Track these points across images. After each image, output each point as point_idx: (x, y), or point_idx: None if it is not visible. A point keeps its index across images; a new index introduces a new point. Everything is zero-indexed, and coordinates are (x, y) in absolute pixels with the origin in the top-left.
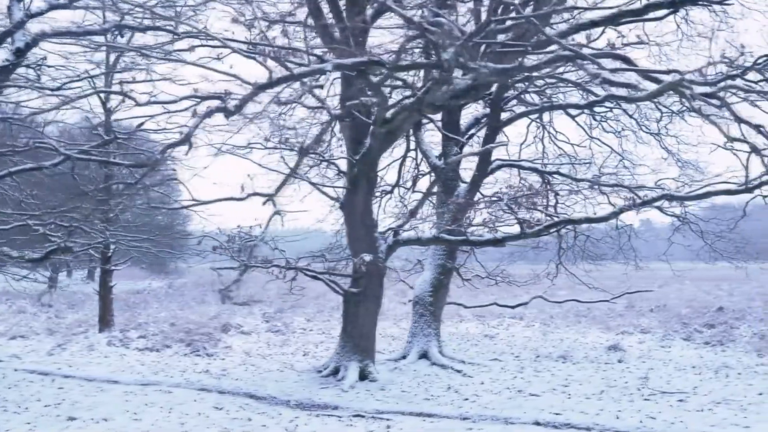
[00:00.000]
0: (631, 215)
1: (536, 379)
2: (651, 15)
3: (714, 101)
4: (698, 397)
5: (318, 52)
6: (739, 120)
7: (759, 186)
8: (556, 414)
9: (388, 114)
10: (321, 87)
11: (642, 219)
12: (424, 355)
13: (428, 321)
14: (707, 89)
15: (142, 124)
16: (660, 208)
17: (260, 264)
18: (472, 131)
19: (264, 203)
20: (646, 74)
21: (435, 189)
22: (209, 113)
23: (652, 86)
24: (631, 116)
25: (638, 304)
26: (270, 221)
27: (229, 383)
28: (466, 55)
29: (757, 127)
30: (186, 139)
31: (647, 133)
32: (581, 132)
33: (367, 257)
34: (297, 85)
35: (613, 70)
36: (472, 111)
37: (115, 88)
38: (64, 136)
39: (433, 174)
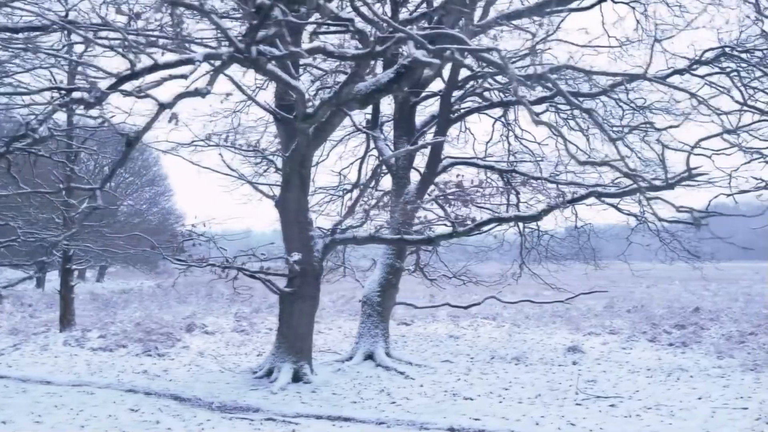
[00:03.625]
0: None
1: (480, 381)
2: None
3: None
4: (632, 401)
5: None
6: (571, 103)
7: (679, 182)
8: (476, 419)
9: (309, 110)
10: (185, 77)
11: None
12: (370, 356)
13: (375, 322)
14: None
15: (104, 120)
16: (617, 207)
17: (195, 263)
18: (425, 129)
19: None
20: (478, 54)
21: (369, 187)
22: (66, 104)
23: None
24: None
25: (617, 304)
26: None
27: (160, 384)
28: None
29: (587, 111)
30: (26, 133)
31: (611, 130)
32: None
33: (296, 256)
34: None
35: (446, 50)
36: (433, 109)
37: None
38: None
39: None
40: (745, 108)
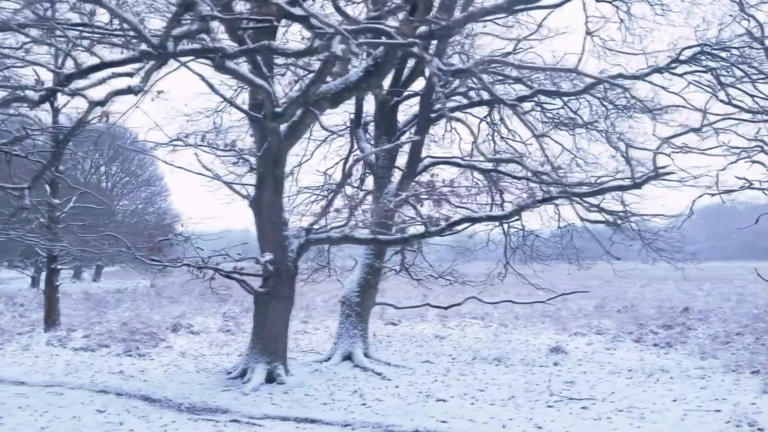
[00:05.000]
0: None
1: (456, 382)
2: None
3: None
4: (605, 403)
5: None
6: (495, 98)
7: (645, 182)
8: (443, 422)
9: (279, 109)
10: (130, 76)
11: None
12: (348, 357)
13: (354, 322)
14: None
15: (86, 120)
16: (599, 207)
17: (169, 263)
18: (406, 128)
19: None
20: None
21: (348, 185)
22: (5, 103)
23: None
24: (576, 113)
25: (608, 304)
26: None
27: (133, 385)
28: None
29: (512, 106)
30: None
31: (595, 130)
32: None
33: (267, 256)
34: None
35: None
36: (417, 108)
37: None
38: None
39: (370, 171)
40: (705, 110)
